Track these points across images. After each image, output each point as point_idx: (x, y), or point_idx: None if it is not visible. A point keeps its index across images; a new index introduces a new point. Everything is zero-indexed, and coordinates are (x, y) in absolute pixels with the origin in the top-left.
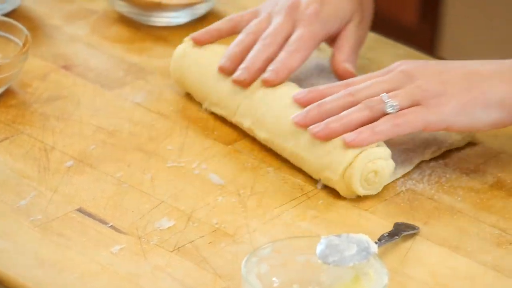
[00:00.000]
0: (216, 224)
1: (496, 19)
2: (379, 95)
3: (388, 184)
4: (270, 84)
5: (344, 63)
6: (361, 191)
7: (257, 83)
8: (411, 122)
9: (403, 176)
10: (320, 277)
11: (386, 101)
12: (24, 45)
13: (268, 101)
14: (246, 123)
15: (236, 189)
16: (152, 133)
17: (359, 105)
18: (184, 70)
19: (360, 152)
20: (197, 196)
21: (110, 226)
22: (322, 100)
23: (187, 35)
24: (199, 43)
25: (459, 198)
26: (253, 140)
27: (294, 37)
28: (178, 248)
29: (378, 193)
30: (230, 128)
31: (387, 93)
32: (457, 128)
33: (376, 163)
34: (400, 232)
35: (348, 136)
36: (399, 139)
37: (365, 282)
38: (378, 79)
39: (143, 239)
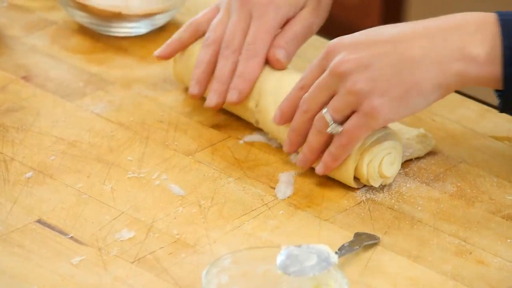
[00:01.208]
0: (177, 235)
1: None
2: (323, 105)
3: (348, 193)
4: (235, 103)
5: (275, 49)
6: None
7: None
8: (357, 137)
9: (364, 185)
10: None
11: (330, 123)
12: None
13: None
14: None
15: (196, 200)
16: (112, 144)
17: (312, 130)
18: (186, 63)
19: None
20: (157, 206)
21: (70, 237)
22: (292, 125)
23: (147, 45)
24: (164, 58)
25: (419, 208)
26: (214, 150)
27: (248, 38)
28: (139, 259)
29: (338, 203)
30: (190, 138)
31: (328, 101)
32: (400, 119)
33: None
34: (361, 242)
35: (318, 169)
36: None
37: None
38: (317, 86)
39: (103, 250)
